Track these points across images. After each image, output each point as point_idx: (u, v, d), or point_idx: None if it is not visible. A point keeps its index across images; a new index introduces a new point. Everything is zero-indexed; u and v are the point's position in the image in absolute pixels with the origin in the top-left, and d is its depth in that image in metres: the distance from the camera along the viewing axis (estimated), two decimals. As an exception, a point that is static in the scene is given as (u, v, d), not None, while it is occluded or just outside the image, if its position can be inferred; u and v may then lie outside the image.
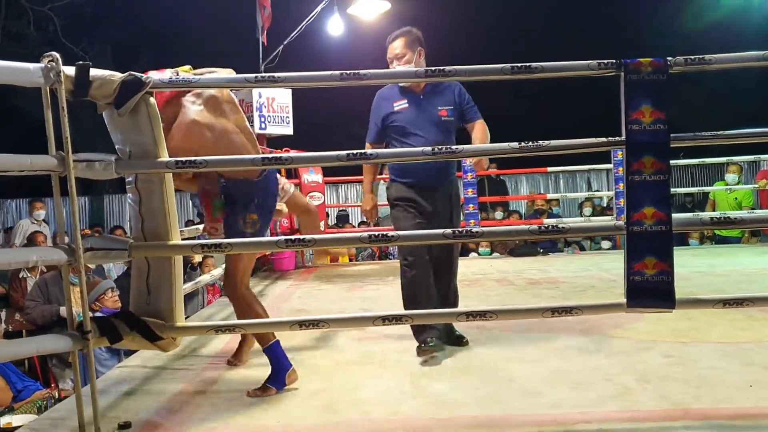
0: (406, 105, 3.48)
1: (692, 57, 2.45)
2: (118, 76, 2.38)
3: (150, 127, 2.45)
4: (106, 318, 2.49)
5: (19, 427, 3.09)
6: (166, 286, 2.48)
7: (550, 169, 10.00)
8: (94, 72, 2.34)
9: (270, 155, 2.45)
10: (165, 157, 2.47)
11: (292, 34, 8.09)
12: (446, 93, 3.53)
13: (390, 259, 8.28)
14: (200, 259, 6.83)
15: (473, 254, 8.50)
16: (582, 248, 8.96)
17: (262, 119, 7.49)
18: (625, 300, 2.40)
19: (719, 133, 2.48)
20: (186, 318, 5.31)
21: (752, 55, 2.51)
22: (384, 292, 5.66)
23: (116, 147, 2.48)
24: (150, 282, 2.49)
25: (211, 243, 2.40)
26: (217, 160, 2.47)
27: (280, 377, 2.92)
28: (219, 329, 2.48)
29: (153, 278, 2.49)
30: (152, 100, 2.46)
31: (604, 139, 2.45)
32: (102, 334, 2.38)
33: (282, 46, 8.01)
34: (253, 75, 2.44)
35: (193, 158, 2.43)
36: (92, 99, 2.38)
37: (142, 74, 2.41)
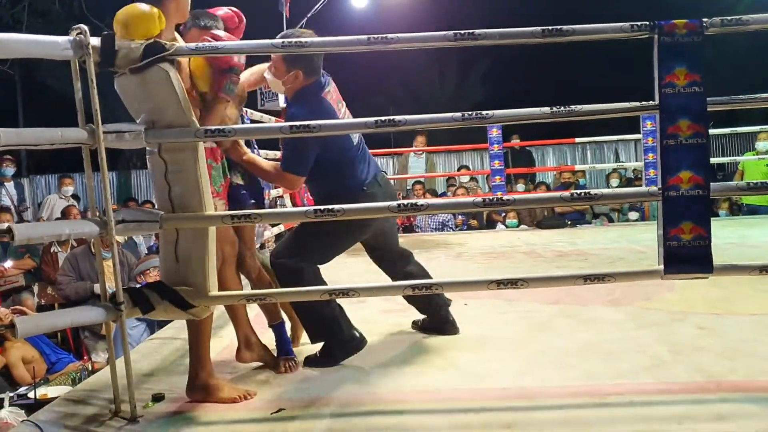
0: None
1: (728, 18, 2.37)
2: (142, 43, 2.35)
3: (175, 95, 2.41)
4: (138, 289, 2.50)
5: (55, 398, 3.14)
6: (198, 256, 2.47)
7: (578, 139, 9.87)
8: (119, 42, 2.32)
9: (299, 123, 2.43)
10: (195, 125, 2.44)
11: (315, 7, 8.03)
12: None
13: (417, 231, 8.25)
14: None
15: (500, 226, 8.44)
16: (610, 220, 8.87)
17: (261, 97, 7.45)
18: (660, 267, 2.36)
19: (756, 96, 2.41)
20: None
21: (792, 15, 2.42)
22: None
23: (136, 118, 2.46)
24: (179, 251, 2.49)
25: (241, 213, 2.40)
26: (245, 128, 2.45)
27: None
28: (250, 298, 2.48)
29: (182, 247, 2.48)
30: (176, 68, 2.43)
31: (637, 104, 2.39)
32: (134, 304, 2.40)
33: (306, 19, 7.95)
34: (280, 40, 2.42)
35: (222, 127, 2.41)
36: (118, 68, 2.37)
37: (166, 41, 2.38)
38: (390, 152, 10.63)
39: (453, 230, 8.24)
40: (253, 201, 2.99)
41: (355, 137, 3.04)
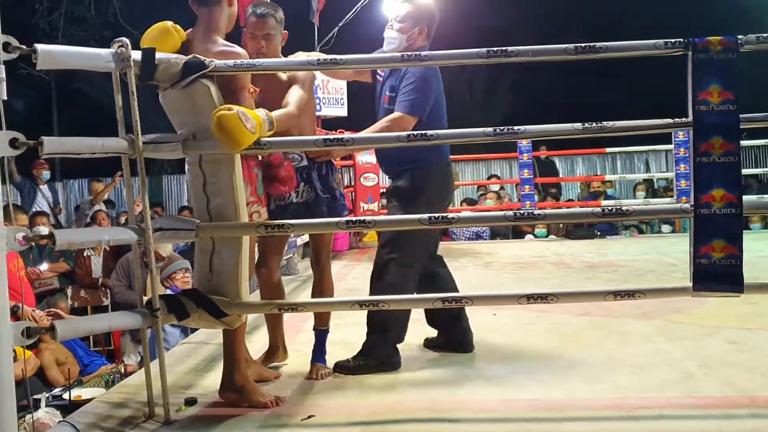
0: (378, 92, 3.22)
1: (764, 35, 2.37)
2: (182, 58, 2.43)
3: (215, 108, 2.48)
4: (174, 296, 2.57)
5: (89, 400, 3.21)
6: (231, 265, 2.53)
7: (608, 150, 9.80)
8: (159, 55, 2.39)
9: (332, 136, 2.47)
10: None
11: (347, 16, 8.10)
12: (393, 77, 3.08)
13: (453, 239, 8.26)
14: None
15: (529, 236, 8.42)
16: (641, 231, 8.79)
17: (318, 101, 7.56)
18: (690, 284, 2.36)
19: (792, 113, 2.40)
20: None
21: (829, 32, 2.41)
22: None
23: (177, 129, 2.53)
24: (214, 261, 2.55)
25: (274, 224, 2.44)
26: (280, 141, 2.50)
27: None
28: (282, 307, 2.53)
29: (218, 257, 2.54)
30: (215, 82, 2.50)
31: (670, 121, 2.39)
32: (170, 311, 2.46)
33: (337, 29, 8.02)
34: (315, 58, 2.47)
35: (258, 139, 2.46)
36: (157, 82, 2.44)
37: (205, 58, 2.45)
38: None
39: (485, 239, 8.25)
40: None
41: None
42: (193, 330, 3.89)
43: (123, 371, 4.83)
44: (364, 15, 8.38)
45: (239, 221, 2.48)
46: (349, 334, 3.33)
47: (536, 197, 8.15)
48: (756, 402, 2.43)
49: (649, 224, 9.01)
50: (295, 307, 2.47)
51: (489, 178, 11.21)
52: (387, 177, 3.54)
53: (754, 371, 2.74)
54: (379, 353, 2.98)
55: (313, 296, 3.06)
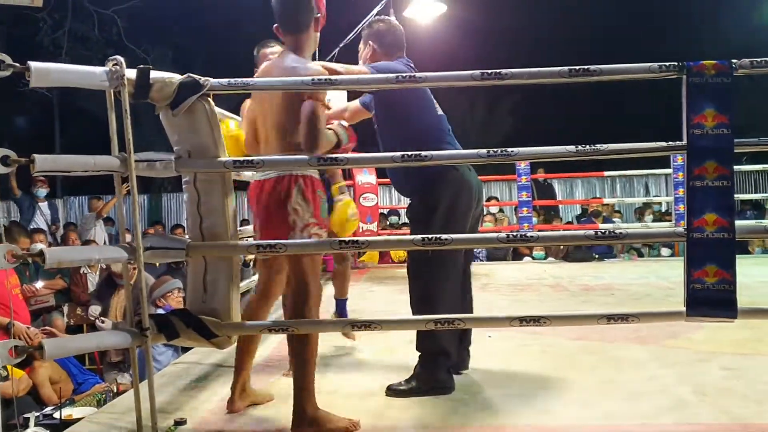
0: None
1: (758, 60, 2.37)
2: (176, 78, 2.44)
3: (209, 128, 2.50)
4: (164, 315, 2.55)
5: (80, 419, 3.18)
6: (222, 285, 2.52)
7: (606, 173, 9.82)
8: (154, 75, 2.40)
9: (326, 156, 2.47)
10: (224, 157, 2.51)
11: (348, 37, 8.13)
12: None
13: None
14: (253, 258, 6.91)
15: (527, 258, 8.41)
16: (640, 254, 8.78)
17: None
18: (684, 308, 2.34)
19: (787, 138, 2.40)
20: (240, 316, 5.40)
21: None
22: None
23: (174, 148, 2.54)
24: (207, 280, 2.54)
25: (266, 244, 2.43)
26: (272, 160, 2.50)
27: None
28: (273, 329, 2.51)
29: (210, 277, 2.53)
30: (211, 101, 2.52)
31: (664, 144, 2.39)
32: (159, 330, 2.44)
33: (338, 49, 8.05)
34: (309, 78, 2.47)
35: (251, 158, 2.47)
36: (152, 101, 2.45)
37: (200, 77, 2.46)
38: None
39: (482, 261, 8.23)
40: None
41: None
42: (186, 349, 3.86)
43: (116, 390, 4.80)
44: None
45: (230, 241, 2.47)
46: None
47: (534, 219, 8.14)
48: (749, 429, 2.40)
49: (652, 247, 9.00)
50: (285, 327, 2.45)
51: (488, 200, 11.20)
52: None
53: (749, 398, 2.71)
54: (432, 377, 2.92)
55: None
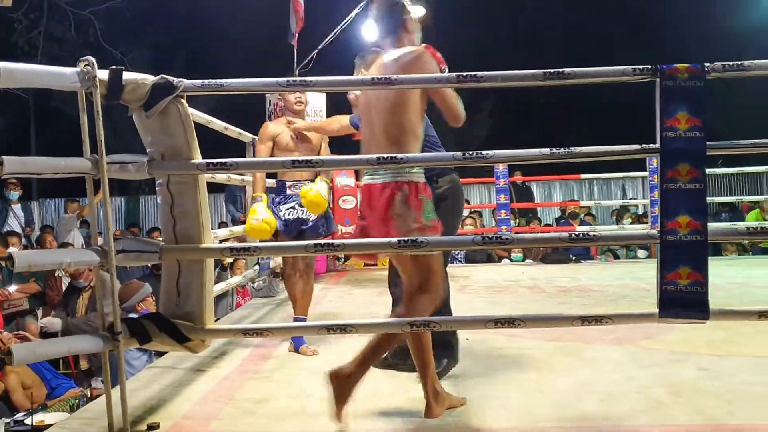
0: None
1: (730, 63, 2.39)
2: (150, 79, 2.41)
3: (182, 130, 2.47)
4: (136, 319, 2.52)
5: (51, 425, 3.13)
6: (196, 289, 2.50)
7: (584, 176, 9.89)
8: (126, 76, 2.37)
9: (301, 158, 2.45)
10: (197, 159, 2.49)
11: (326, 39, 8.11)
12: None
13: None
14: (231, 261, 6.88)
15: (505, 260, 8.44)
16: (616, 256, 8.84)
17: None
18: (657, 310, 2.35)
19: (757, 141, 2.42)
20: (216, 320, 5.36)
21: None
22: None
23: (147, 149, 2.51)
24: (180, 284, 2.51)
25: (240, 246, 2.41)
26: (245, 162, 2.48)
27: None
28: (247, 332, 2.49)
29: (183, 280, 2.50)
30: (185, 103, 2.49)
31: (638, 147, 2.40)
32: (132, 335, 2.41)
33: (316, 51, 8.03)
34: (285, 79, 2.45)
35: (224, 160, 2.44)
36: (124, 102, 2.42)
37: (174, 78, 2.44)
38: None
39: (461, 263, 8.24)
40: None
41: None
42: (161, 353, 3.82)
43: (90, 395, 4.74)
44: (344, 37, 8.42)
45: (204, 244, 2.45)
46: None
47: (512, 222, 8.17)
48: (722, 430, 2.42)
49: (629, 249, 9.08)
50: (260, 332, 2.43)
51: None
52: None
53: (722, 398, 2.73)
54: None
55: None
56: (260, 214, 3.67)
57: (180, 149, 2.47)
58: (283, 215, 3.94)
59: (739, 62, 2.39)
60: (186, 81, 2.45)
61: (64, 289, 6.59)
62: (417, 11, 3.22)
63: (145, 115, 2.44)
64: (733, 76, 2.41)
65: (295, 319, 3.85)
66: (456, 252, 8.08)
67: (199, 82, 2.46)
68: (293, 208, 3.95)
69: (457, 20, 15.41)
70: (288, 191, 3.95)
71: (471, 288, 6.08)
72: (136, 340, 2.41)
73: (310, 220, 3.97)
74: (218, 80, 2.49)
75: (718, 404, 2.67)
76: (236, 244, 2.45)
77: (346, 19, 8.25)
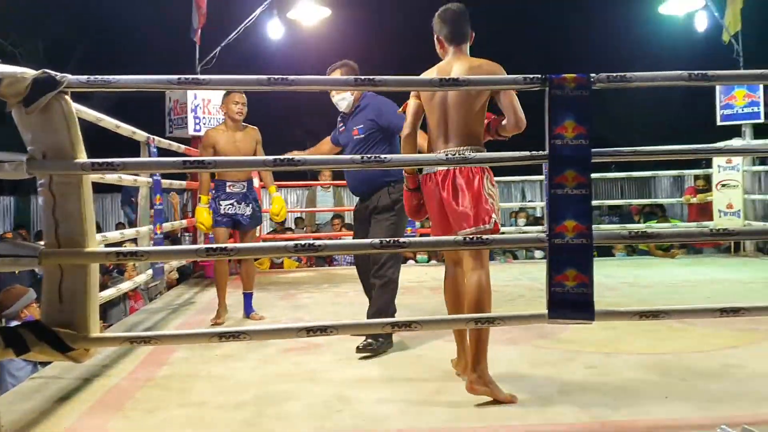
0: (343, 128, 4.17)
1: (614, 74, 2.50)
2: (30, 73, 2.28)
3: (66, 127, 2.35)
4: (13, 328, 2.37)
5: None
6: (80, 295, 2.37)
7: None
8: (3, 69, 2.23)
9: (283, 157, 2.42)
10: (82, 158, 2.37)
11: (229, 37, 7.94)
12: (363, 113, 4.02)
13: (334, 265, 8.25)
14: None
15: (411, 261, 8.52)
16: (515, 257, 9.09)
17: (197, 121, 7.36)
18: (547, 311, 2.43)
19: (638, 149, 2.53)
20: (108, 326, 5.16)
21: (673, 74, 2.57)
22: (317, 300, 5.62)
23: (28, 147, 2.37)
24: (63, 290, 2.38)
25: (126, 251, 2.32)
26: (134, 163, 2.38)
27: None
28: (134, 340, 2.39)
29: (66, 286, 2.38)
30: (69, 99, 2.37)
31: (527, 153, 2.47)
32: (7, 345, 2.26)
33: (219, 48, 7.85)
34: (176, 77, 2.37)
35: (111, 160, 2.34)
36: (2, 97, 2.27)
37: (57, 73, 2.31)
38: (299, 185, 10.60)
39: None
40: None
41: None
42: (46, 363, 3.62)
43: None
44: (248, 34, 8.28)
45: (88, 248, 2.33)
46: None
47: (417, 224, 8.25)
48: (605, 427, 2.51)
49: (528, 249, 9.34)
50: (147, 339, 2.34)
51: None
52: (356, 196, 4.25)
53: (607, 395, 2.85)
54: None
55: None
56: (200, 216, 4.75)
57: (63, 148, 2.34)
58: (223, 210, 4.80)
59: (623, 74, 2.50)
60: (70, 76, 2.33)
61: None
62: None
63: (25, 112, 2.31)
64: (616, 86, 2.52)
65: (245, 294, 4.91)
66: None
67: (84, 78, 2.35)
68: (232, 204, 4.82)
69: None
70: (228, 190, 4.80)
71: (374, 290, 6.11)
72: (11, 351, 2.27)
73: (245, 214, 4.87)
74: (105, 77, 2.38)
75: (603, 401, 2.78)
76: (123, 249, 2.35)
77: (251, 16, 8.11)
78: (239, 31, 8.06)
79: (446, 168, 2.88)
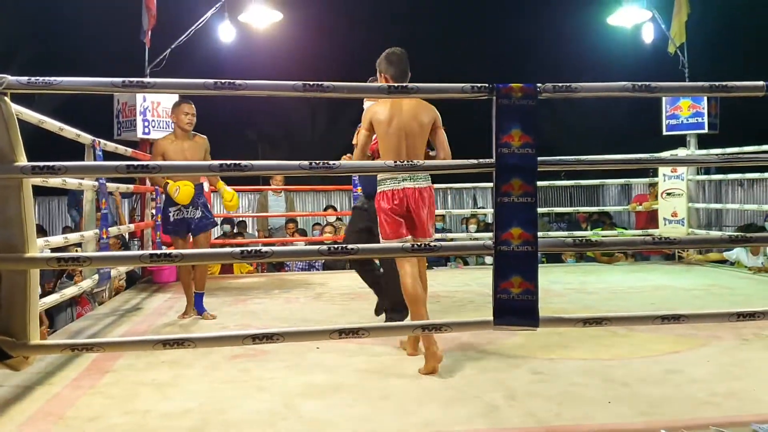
0: None
1: (560, 84, 2.55)
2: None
3: (5, 130, 2.29)
4: (-53, 336, 2.29)
5: None
6: (19, 302, 2.31)
7: (435, 185, 10.21)
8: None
9: (230, 162, 2.37)
10: (22, 162, 2.31)
11: (179, 39, 7.84)
12: None
13: (285, 270, 8.21)
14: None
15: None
16: (466, 263, 9.18)
17: (146, 123, 7.25)
18: (492, 318, 2.46)
19: (582, 158, 2.59)
20: (53, 332, 5.02)
21: (617, 85, 2.64)
22: (267, 306, 5.57)
23: None
24: (1, 297, 2.32)
25: (68, 257, 2.26)
26: (76, 166, 2.34)
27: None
28: (76, 347, 2.33)
29: (5, 293, 2.31)
30: (8, 101, 2.31)
31: (475, 161, 2.50)
32: (-59, 353, 2.19)
33: (169, 51, 7.74)
34: (120, 79, 2.34)
35: (53, 163, 2.29)
36: (-63, 98, 2.21)
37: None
38: (251, 189, 10.50)
39: (319, 270, 8.24)
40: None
41: None
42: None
43: None
44: (200, 37, 8.19)
45: (28, 253, 2.27)
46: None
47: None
48: (549, 431, 2.56)
49: (479, 255, 9.44)
50: (90, 347, 2.29)
51: (326, 209, 11.27)
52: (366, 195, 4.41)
53: (552, 400, 2.90)
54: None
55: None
56: (176, 185, 4.67)
57: (2, 150, 2.28)
58: (172, 217, 4.86)
59: (568, 84, 2.55)
60: (9, 77, 2.27)
61: None
62: None
63: None
64: (562, 96, 2.57)
65: (196, 294, 5.01)
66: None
67: (24, 79, 2.30)
68: (179, 210, 4.87)
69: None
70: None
71: (327, 295, 6.09)
72: (-55, 359, 2.20)
73: (195, 218, 4.91)
74: (47, 78, 2.33)
75: (548, 406, 2.83)
76: (64, 254, 2.29)
77: (202, 19, 8.03)
78: (189, 34, 7.98)
79: (413, 186, 3.37)
